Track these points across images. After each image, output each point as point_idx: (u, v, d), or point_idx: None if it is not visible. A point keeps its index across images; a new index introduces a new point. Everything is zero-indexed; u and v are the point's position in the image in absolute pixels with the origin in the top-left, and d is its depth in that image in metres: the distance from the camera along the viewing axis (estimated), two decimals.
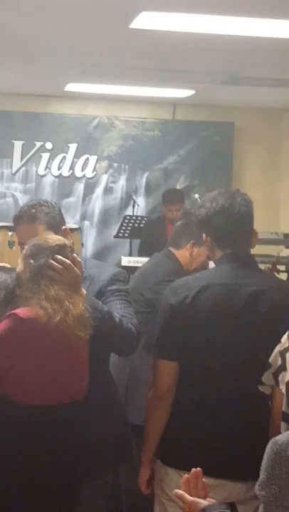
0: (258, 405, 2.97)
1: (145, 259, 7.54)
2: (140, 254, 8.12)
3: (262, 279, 3.14)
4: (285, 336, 2.81)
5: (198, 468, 2.23)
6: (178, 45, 6.13)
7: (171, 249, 4.25)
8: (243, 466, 2.99)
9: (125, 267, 7.31)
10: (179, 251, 4.20)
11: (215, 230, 3.15)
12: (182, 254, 4.18)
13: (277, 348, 2.82)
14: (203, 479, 2.26)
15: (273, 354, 2.83)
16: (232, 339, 3.01)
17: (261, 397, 2.90)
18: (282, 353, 2.79)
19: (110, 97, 9.36)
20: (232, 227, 3.11)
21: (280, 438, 1.89)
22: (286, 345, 2.79)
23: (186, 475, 2.25)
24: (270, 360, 2.83)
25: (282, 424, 2.75)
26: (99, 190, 9.79)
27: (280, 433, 2.68)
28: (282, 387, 2.76)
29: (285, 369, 2.77)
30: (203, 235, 3.22)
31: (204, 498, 2.27)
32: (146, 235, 8.32)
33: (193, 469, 2.21)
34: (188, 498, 2.24)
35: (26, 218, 3.33)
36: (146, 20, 5.32)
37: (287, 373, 2.76)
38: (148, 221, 8.70)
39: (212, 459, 2.97)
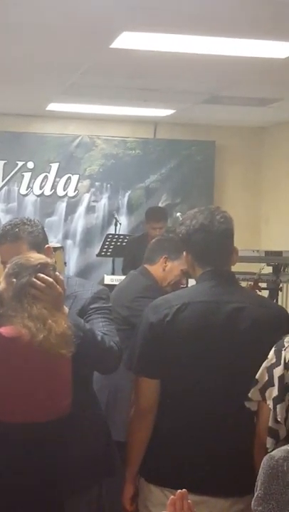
0: (240, 422, 2.97)
1: None
2: (124, 273, 8.12)
3: (242, 296, 3.15)
4: (271, 352, 2.82)
5: (184, 490, 2.24)
6: (159, 64, 6.17)
7: (146, 265, 4.31)
8: (225, 482, 3.00)
9: (108, 285, 7.30)
10: (152, 267, 4.26)
11: (195, 247, 3.16)
12: (156, 269, 4.24)
13: (264, 364, 2.83)
14: (189, 500, 2.27)
15: (260, 370, 2.84)
16: (213, 356, 3.02)
17: (244, 413, 2.90)
18: (269, 369, 2.80)
19: (91, 116, 9.39)
20: (212, 245, 3.12)
21: (276, 453, 1.91)
22: (273, 361, 2.80)
23: (173, 496, 2.26)
24: (257, 376, 2.84)
25: (269, 440, 2.76)
26: (81, 209, 9.80)
27: (264, 448, 2.71)
28: (270, 403, 2.78)
29: (272, 384, 2.79)
30: (184, 253, 3.24)
31: None
32: (129, 253, 8.32)
33: (179, 491, 2.22)
34: None
35: (9, 238, 3.33)
36: (127, 40, 5.35)
37: (275, 388, 2.77)
38: (131, 239, 8.71)
39: (195, 476, 2.98)
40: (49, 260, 3.10)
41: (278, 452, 1.90)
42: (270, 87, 7.16)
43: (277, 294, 6.65)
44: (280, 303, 6.57)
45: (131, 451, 3.17)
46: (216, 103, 8.00)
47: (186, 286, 4.62)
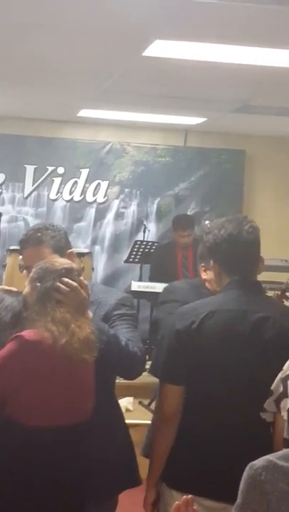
0: (263, 430, 2.97)
1: (156, 285, 7.60)
2: (151, 280, 8.14)
3: (268, 306, 3.15)
4: (287, 364, 2.82)
5: (190, 496, 2.23)
6: (190, 73, 6.19)
7: None
8: None
9: (135, 292, 7.36)
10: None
11: (223, 257, 3.16)
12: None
13: (279, 376, 2.83)
14: (194, 507, 2.26)
15: (275, 381, 2.83)
16: (237, 365, 3.02)
17: (266, 422, 2.91)
18: (284, 380, 2.80)
19: (122, 123, 9.42)
20: (240, 255, 3.13)
21: (257, 463, 1.90)
22: (288, 373, 2.80)
23: (178, 502, 2.25)
24: (272, 387, 2.84)
25: None
26: (110, 215, 9.83)
27: None
28: (284, 414, 2.77)
29: (286, 396, 2.78)
30: (211, 262, 3.24)
31: None
32: (157, 261, 8.34)
33: (184, 497, 2.21)
34: None
35: (32, 242, 3.35)
36: (159, 49, 5.38)
37: None
38: (158, 247, 8.73)
39: (216, 482, 2.98)
40: (74, 265, 3.12)
41: (259, 461, 1.89)
42: None
43: None
44: None
45: (154, 456, 3.18)
46: (247, 112, 8.00)
47: None
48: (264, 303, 3.16)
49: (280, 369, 2.85)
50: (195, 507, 2.23)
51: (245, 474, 1.88)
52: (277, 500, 1.81)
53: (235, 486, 2.97)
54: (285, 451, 1.91)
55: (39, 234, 3.35)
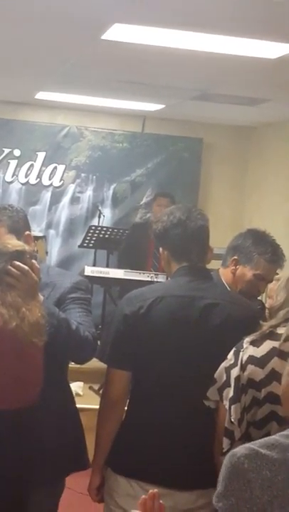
0: (206, 417, 2.98)
1: (109, 270, 7.60)
2: (119, 260, 8.17)
3: (217, 293, 3.16)
4: (231, 352, 2.84)
5: (155, 490, 2.24)
6: (150, 58, 6.16)
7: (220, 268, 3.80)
8: (190, 476, 3.01)
9: (88, 277, 7.31)
10: (225, 270, 3.79)
11: (172, 242, 3.17)
12: (226, 273, 3.77)
13: (223, 364, 2.85)
14: (160, 501, 2.26)
15: (219, 370, 2.86)
16: (184, 351, 3.03)
17: (208, 409, 2.92)
18: (227, 370, 2.82)
19: (80, 107, 9.37)
20: (189, 240, 3.14)
21: (239, 451, 1.91)
22: (231, 362, 2.82)
23: (144, 496, 2.25)
24: (216, 375, 2.86)
25: (224, 440, 2.79)
26: (66, 199, 9.78)
27: (222, 448, 2.73)
28: (226, 403, 2.80)
29: (229, 385, 2.81)
30: (160, 249, 3.25)
31: None
32: (129, 241, 8.30)
33: (151, 491, 2.22)
34: None
35: None
36: (118, 32, 5.34)
37: (231, 389, 2.79)
38: (135, 225, 8.77)
39: (161, 468, 3.00)
40: (27, 247, 3.09)
41: (240, 449, 1.91)
42: (260, 87, 7.17)
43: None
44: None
45: (99, 441, 3.18)
46: (205, 100, 8.00)
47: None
48: (212, 290, 3.17)
49: (226, 356, 2.87)
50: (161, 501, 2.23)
51: (226, 462, 1.89)
52: (261, 487, 1.82)
53: (179, 472, 3.02)
54: (264, 439, 1.92)
55: None
